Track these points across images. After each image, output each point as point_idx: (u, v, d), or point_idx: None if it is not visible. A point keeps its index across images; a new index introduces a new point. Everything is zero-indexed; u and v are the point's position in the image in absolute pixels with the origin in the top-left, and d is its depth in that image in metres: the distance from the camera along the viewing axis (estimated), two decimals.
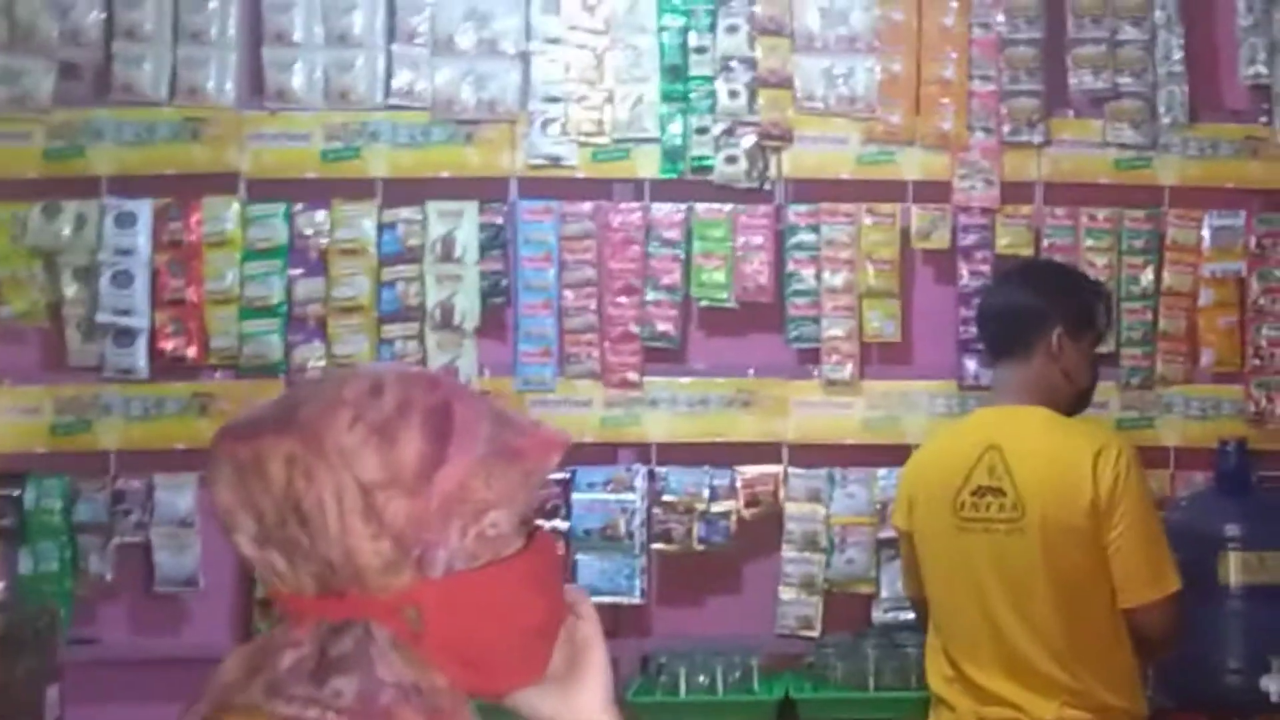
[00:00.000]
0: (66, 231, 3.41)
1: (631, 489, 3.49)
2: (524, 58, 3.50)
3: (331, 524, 1.13)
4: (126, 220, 3.42)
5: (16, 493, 3.39)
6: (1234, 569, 3.23)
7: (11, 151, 3.43)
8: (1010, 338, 2.83)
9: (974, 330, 3.15)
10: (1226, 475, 3.38)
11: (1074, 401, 2.88)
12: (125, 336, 3.42)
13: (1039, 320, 2.83)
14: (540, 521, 1.34)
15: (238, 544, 1.16)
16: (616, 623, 3.50)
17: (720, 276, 3.54)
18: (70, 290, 3.44)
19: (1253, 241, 3.61)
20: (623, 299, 3.53)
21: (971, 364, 3.51)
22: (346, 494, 1.13)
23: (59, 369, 3.49)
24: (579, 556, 3.44)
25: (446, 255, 3.49)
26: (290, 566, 1.15)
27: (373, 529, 1.13)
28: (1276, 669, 3.15)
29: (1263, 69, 3.57)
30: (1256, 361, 3.60)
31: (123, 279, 3.41)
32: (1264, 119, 3.61)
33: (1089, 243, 3.59)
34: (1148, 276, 3.60)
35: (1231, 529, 3.25)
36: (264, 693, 1.14)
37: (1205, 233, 3.60)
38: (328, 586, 1.14)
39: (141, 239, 3.43)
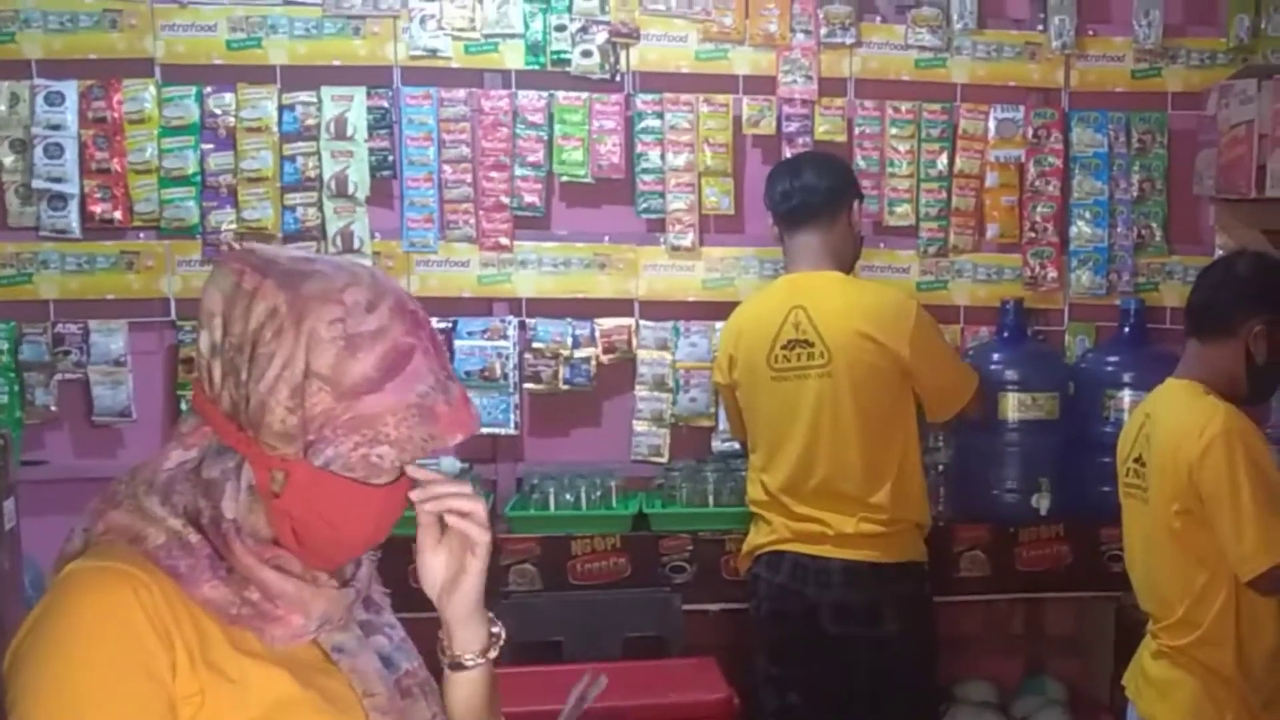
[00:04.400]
0: (2, 108, 3.45)
1: (505, 337, 3.62)
2: None
3: (268, 377, 1.21)
4: (55, 99, 3.45)
5: None
6: (1012, 407, 3.48)
7: None
8: (820, 208, 3.04)
9: None
10: (1006, 329, 3.61)
11: (853, 263, 3.15)
12: (59, 201, 3.48)
13: (844, 193, 3.08)
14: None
15: (198, 338, 1.26)
16: (495, 450, 3.69)
17: (578, 155, 3.62)
18: (8, 160, 3.48)
19: (1030, 132, 3.77)
20: (494, 174, 3.61)
21: None
22: (294, 367, 1.21)
23: (1, 229, 3.52)
24: None
25: (339, 134, 3.54)
26: (222, 382, 1.23)
27: (292, 404, 1.21)
28: (1044, 489, 3.48)
29: None
30: (1032, 234, 3.81)
31: (54, 150, 3.46)
32: (1040, 27, 3.77)
33: (893, 131, 3.73)
34: (943, 161, 3.76)
35: (1010, 374, 3.49)
36: (145, 487, 1.24)
37: (991, 124, 3.77)
38: (236, 415, 1.23)
39: (69, 115, 3.46)
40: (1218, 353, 2.65)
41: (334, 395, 1.21)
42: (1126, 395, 3.48)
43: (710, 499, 3.53)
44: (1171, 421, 2.62)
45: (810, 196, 3.06)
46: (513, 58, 3.61)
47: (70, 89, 3.49)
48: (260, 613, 1.23)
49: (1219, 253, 3.67)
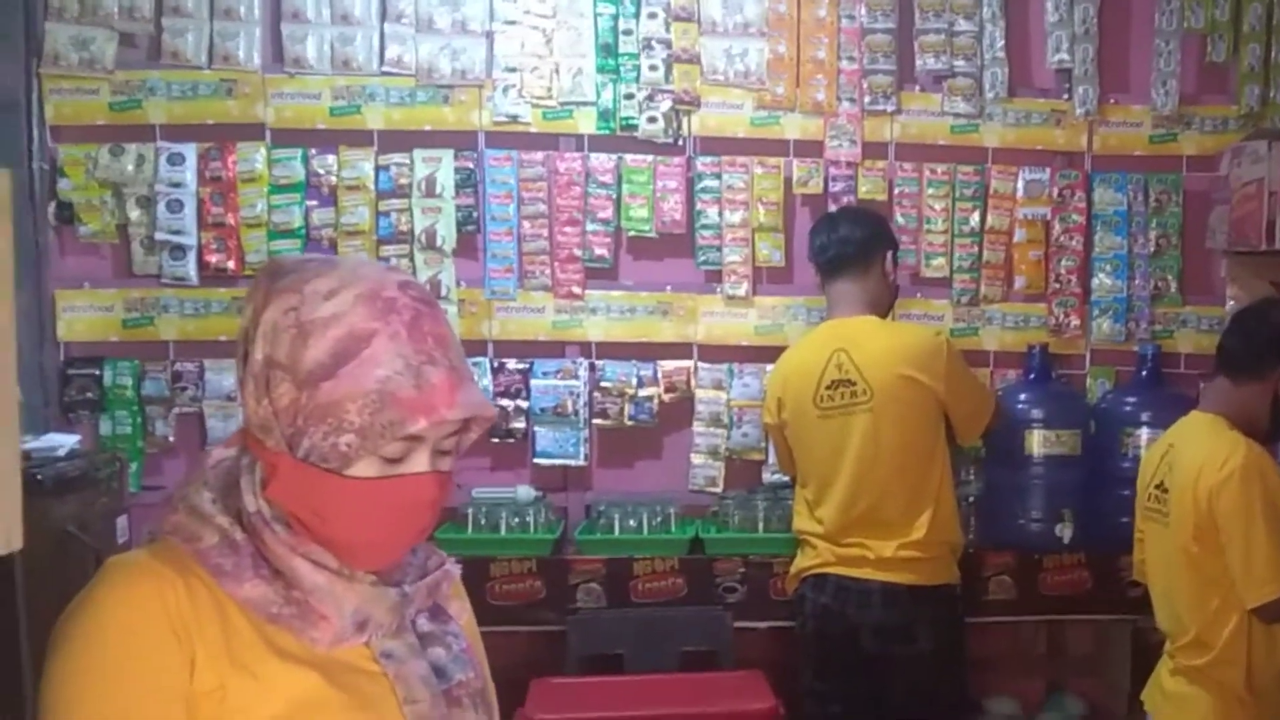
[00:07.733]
0: (130, 168, 3.55)
1: (576, 377, 3.70)
2: (489, 36, 3.64)
3: (245, 370, 1.20)
4: (177, 159, 3.57)
5: (97, 373, 3.56)
6: (1036, 443, 3.53)
7: (84, 104, 3.54)
8: (854, 258, 3.12)
9: None
10: (1033, 372, 3.67)
11: (889, 309, 3.22)
12: (179, 251, 3.59)
13: (877, 244, 3.16)
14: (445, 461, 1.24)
15: None
16: (566, 479, 3.75)
17: (644, 212, 3.71)
18: (134, 214, 3.58)
19: (1055, 192, 3.83)
20: (568, 228, 3.69)
21: None
22: (256, 358, 1.18)
23: (127, 276, 3.63)
24: (537, 428, 3.68)
25: (429, 192, 3.63)
26: (239, 383, 1.22)
27: (259, 393, 1.18)
28: (1067, 519, 3.52)
29: (1066, 56, 3.80)
30: (1056, 285, 3.86)
31: (175, 206, 3.57)
32: (1065, 96, 3.83)
33: (930, 191, 3.80)
34: (975, 218, 3.82)
35: (1035, 413, 3.55)
36: (195, 487, 1.23)
37: (1019, 184, 3.83)
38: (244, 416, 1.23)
39: (189, 175, 3.57)
40: (1247, 392, 2.67)
41: (294, 384, 1.16)
42: (1143, 433, 3.52)
43: (760, 526, 3.59)
44: (1194, 451, 2.65)
45: (845, 248, 3.14)
46: (586, 123, 3.72)
47: (190, 151, 3.62)
48: (302, 613, 1.19)
49: (1230, 303, 3.73)
